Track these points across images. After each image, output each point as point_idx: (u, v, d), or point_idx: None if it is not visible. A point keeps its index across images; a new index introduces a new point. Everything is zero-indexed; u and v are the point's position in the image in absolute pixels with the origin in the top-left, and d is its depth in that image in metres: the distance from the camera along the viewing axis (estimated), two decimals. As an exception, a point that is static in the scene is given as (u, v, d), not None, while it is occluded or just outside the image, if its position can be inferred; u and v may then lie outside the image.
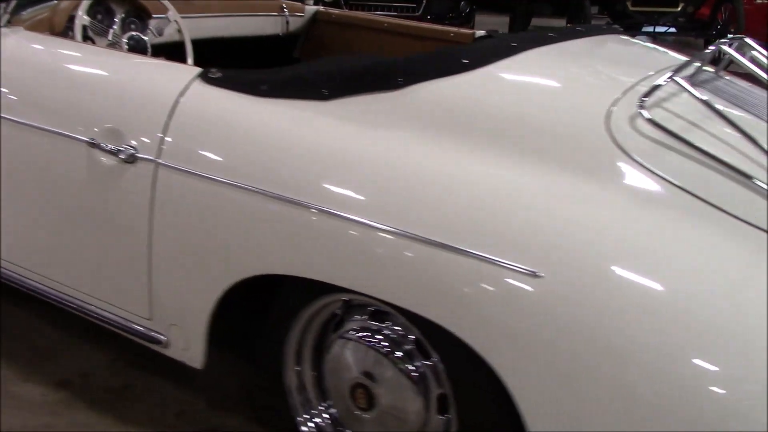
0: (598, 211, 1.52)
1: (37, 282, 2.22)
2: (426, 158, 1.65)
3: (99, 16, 2.62)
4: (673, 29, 8.82)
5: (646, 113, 1.64)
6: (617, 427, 1.38)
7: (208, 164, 1.80)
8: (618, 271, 1.43)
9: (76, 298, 2.13)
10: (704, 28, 8.86)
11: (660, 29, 8.88)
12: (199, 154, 1.82)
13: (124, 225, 1.94)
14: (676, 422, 1.32)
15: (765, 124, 1.79)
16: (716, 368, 1.33)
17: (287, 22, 3.35)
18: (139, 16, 2.77)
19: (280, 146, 1.76)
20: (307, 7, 3.40)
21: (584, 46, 2.16)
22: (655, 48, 2.45)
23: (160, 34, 2.79)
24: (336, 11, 3.42)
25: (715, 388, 1.31)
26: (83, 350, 2.48)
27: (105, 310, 2.08)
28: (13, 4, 2.39)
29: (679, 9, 8.25)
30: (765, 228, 1.50)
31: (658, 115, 1.67)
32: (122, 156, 1.88)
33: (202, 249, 1.83)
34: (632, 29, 8.99)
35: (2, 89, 2.15)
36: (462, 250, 1.49)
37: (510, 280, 1.45)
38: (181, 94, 1.89)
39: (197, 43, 2.99)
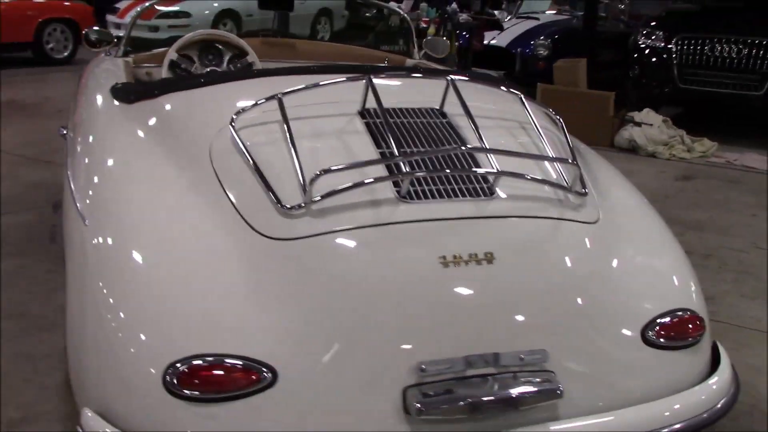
0: (152, 188, 1.98)
1: None
2: (118, 149, 2.23)
3: (210, 56, 3.58)
4: None
5: (232, 126, 1.96)
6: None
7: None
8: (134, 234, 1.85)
9: None
10: None
11: None
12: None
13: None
14: None
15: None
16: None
17: None
18: (243, 57, 3.64)
19: (87, 130, 2.50)
20: (408, 60, 3.86)
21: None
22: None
23: None
24: (432, 63, 3.79)
25: None
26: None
27: None
28: (123, 40, 3.48)
29: None
30: (262, 232, 1.75)
31: (249, 130, 1.96)
32: (62, 135, 2.81)
33: None
34: None
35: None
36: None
37: (74, 223, 2.01)
38: (97, 97, 2.73)
39: None
